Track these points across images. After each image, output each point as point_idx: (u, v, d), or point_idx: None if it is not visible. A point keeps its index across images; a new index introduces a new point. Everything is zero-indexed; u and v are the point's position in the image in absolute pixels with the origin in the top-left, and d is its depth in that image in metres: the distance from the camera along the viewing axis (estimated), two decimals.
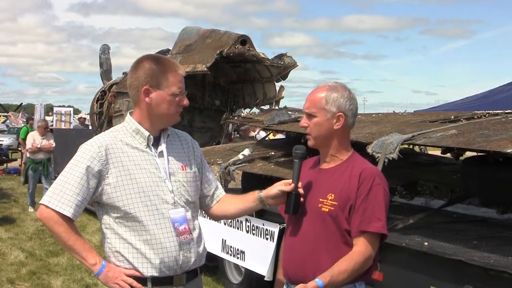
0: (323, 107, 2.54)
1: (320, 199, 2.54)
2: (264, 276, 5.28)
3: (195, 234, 2.59)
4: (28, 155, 11.56)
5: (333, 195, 2.51)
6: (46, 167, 11.57)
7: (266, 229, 5.29)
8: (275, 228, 5.14)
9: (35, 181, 11.49)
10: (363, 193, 2.47)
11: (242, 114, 9.21)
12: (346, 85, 2.63)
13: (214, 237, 5.83)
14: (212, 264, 6.15)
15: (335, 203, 2.50)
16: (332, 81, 2.65)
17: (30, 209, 11.28)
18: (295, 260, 2.59)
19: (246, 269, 5.78)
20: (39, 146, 11.30)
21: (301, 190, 2.56)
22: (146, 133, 2.55)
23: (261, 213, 5.13)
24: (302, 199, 2.57)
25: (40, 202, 2.49)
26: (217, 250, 5.94)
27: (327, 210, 2.50)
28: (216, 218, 2.93)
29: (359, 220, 2.46)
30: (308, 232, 2.56)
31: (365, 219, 2.45)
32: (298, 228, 2.60)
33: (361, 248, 2.46)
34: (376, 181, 2.50)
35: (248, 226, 5.55)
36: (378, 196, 2.48)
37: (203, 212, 2.87)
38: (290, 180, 2.57)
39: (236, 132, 9.75)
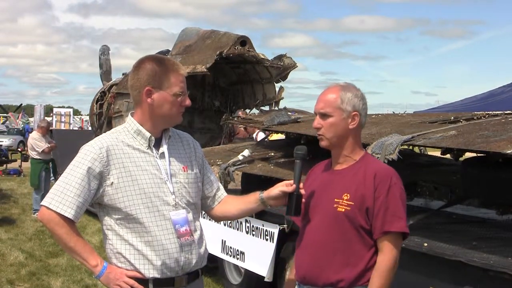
0: (338, 106, 2.54)
1: (335, 199, 2.53)
2: (264, 277, 5.29)
3: (196, 235, 2.59)
4: (36, 156, 11.32)
5: (348, 195, 2.51)
6: (54, 165, 11.87)
7: (266, 230, 5.29)
8: (274, 229, 5.14)
9: (48, 182, 11.45)
10: (382, 194, 2.47)
11: (240, 113, 9.21)
12: (356, 85, 2.64)
13: (214, 238, 5.84)
14: (212, 265, 6.15)
15: (351, 203, 2.49)
16: (342, 81, 2.66)
17: (35, 215, 10.68)
18: (310, 260, 2.58)
19: (246, 270, 5.78)
20: (49, 145, 11.28)
21: (302, 191, 2.57)
22: (147, 134, 2.55)
23: (261, 214, 5.13)
24: (303, 200, 2.58)
25: (41, 203, 2.49)
26: (217, 251, 5.95)
27: (343, 210, 2.50)
28: (218, 219, 2.92)
29: (381, 221, 2.47)
30: (322, 232, 2.55)
31: (387, 220, 2.46)
32: (312, 229, 2.60)
33: (386, 254, 2.48)
34: (393, 180, 2.51)
35: (248, 227, 5.55)
36: (397, 196, 2.50)
37: (204, 213, 2.87)
38: (292, 181, 2.57)
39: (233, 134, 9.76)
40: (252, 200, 2.69)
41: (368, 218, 2.50)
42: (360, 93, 2.60)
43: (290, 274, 2.86)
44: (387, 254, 2.48)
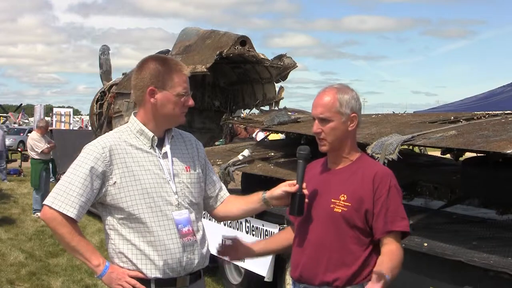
0: (338, 110, 2.54)
1: (332, 200, 2.54)
2: (264, 277, 5.29)
3: (198, 235, 2.59)
4: (36, 156, 11.30)
5: (345, 196, 2.52)
6: (54, 165, 11.95)
7: (266, 230, 5.29)
8: (274, 229, 5.15)
9: (48, 182, 11.47)
10: (382, 195, 2.50)
11: (242, 115, 9.21)
12: (349, 86, 2.64)
13: (214, 238, 5.83)
14: (212, 265, 6.15)
15: (348, 204, 2.51)
16: (336, 83, 2.66)
17: (36, 215, 10.65)
18: (307, 259, 2.59)
19: (246, 270, 5.78)
20: (48, 146, 11.29)
21: (305, 191, 2.57)
22: (150, 134, 2.55)
23: (261, 214, 5.13)
24: (306, 200, 2.58)
25: (44, 202, 2.49)
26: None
27: (340, 211, 2.52)
28: (220, 219, 2.93)
29: (383, 221, 2.49)
30: (319, 232, 2.57)
31: (389, 220, 2.49)
32: (308, 228, 2.61)
33: (394, 246, 2.51)
34: (392, 181, 2.54)
35: (247, 227, 5.56)
36: (397, 196, 2.54)
37: (206, 212, 2.87)
38: (295, 181, 2.58)
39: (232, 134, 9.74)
40: (254, 200, 2.70)
41: (366, 220, 2.52)
42: (355, 94, 2.61)
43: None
44: (394, 246, 2.50)
